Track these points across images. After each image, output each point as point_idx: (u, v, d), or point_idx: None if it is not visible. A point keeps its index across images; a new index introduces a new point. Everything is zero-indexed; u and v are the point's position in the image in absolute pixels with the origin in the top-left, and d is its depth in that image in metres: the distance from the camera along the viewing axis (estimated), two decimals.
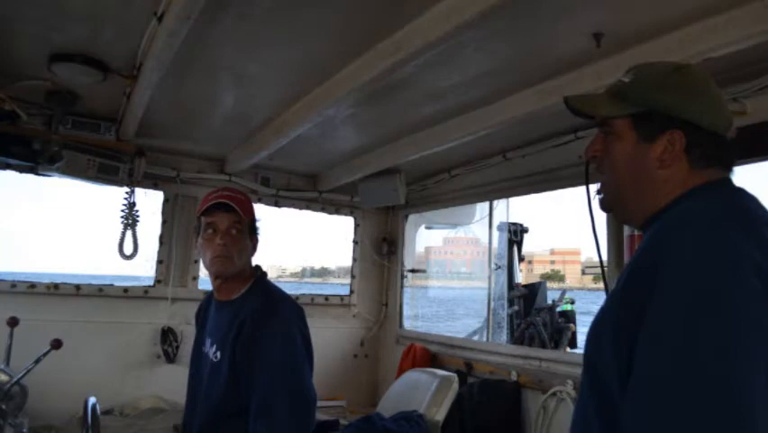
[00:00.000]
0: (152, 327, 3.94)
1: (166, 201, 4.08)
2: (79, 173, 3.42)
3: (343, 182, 4.36)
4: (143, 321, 3.92)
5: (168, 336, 3.93)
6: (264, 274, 2.04)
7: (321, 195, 4.66)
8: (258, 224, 2.03)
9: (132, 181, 3.75)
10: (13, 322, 2.48)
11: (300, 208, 4.69)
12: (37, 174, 3.41)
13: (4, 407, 2.18)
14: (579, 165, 2.37)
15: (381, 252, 4.98)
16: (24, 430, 2.32)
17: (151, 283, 4.04)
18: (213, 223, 1.91)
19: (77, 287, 3.79)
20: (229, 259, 1.90)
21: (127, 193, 3.84)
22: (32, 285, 3.65)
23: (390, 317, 4.95)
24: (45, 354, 2.30)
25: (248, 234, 1.96)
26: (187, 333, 3.78)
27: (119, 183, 3.69)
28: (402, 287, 4.94)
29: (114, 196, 4.06)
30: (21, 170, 3.40)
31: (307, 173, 4.63)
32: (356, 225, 4.97)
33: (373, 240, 4.99)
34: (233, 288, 1.96)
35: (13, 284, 3.60)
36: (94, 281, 4.06)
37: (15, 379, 2.23)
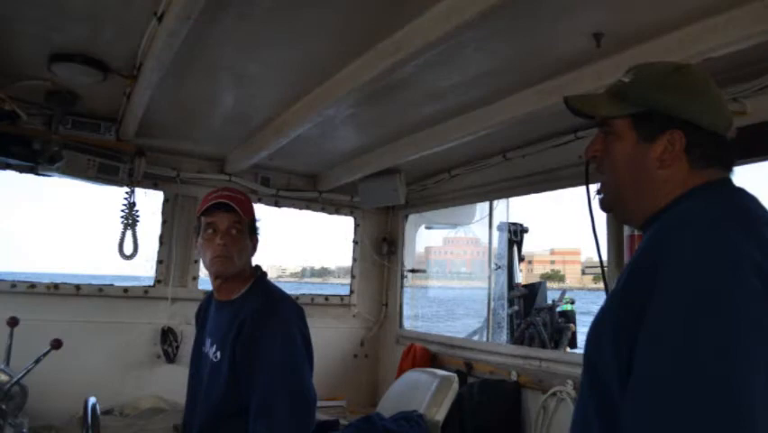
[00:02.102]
0: (152, 327, 3.94)
1: (166, 201, 4.08)
2: (79, 173, 3.42)
3: (343, 182, 4.36)
4: (143, 321, 3.92)
5: (168, 336, 3.93)
6: (264, 274, 2.04)
7: (321, 195, 4.66)
8: (258, 224, 2.03)
9: (132, 181, 3.75)
10: (13, 322, 2.48)
11: (300, 208, 4.69)
12: (37, 174, 3.41)
13: (4, 407, 2.18)
14: (579, 165, 2.37)
15: (381, 252, 4.98)
16: (24, 430, 2.32)
17: (151, 283, 4.04)
18: (213, 223, 1.91)
19: (77, 287, 3.79)
20: (229, 259, 1.90)
21: (127, 193, 3.84)
22: (32, 285, 3.65)
23: (390, 317, 4.95)
24: (45, 354, 2.30)
25: (248, 234, 1.96)
26: (187, 333, 3.78)
27: (119, 183, 3.69)
28: (402, 287, 4.93)
29: (114, 196, 4.07)
30: (21, 170, 3.40)
31: (307, 173, 4.63)
32: (356, 225, 4.97)
33: (373, 240, 4.99)
34: (233, 288, 1.96)
35: (13, 284, 3.60)
36: (94, 281, 4.06)
37: (15, 379, 2.23)
